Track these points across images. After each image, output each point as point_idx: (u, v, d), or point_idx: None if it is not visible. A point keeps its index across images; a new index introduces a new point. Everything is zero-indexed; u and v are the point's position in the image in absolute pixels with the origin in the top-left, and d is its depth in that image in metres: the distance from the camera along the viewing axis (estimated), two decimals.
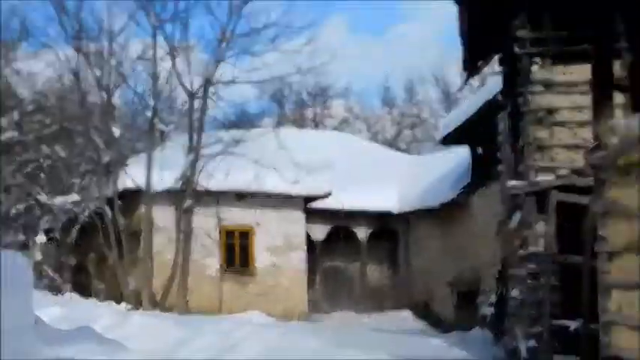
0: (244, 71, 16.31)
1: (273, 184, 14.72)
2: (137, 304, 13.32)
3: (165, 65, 15.23)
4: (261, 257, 15.81)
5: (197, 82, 15.16)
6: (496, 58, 12.61)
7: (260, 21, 15.45)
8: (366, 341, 12.30)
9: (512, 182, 11.60)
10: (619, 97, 7.90)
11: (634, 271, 6.50)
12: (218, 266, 15.44)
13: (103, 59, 14.96)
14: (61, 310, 11.33)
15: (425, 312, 15.95)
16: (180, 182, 14.49)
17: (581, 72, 9.19)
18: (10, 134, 18.36)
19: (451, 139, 15.84)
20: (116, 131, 15.28)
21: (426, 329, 14.93)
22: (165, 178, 14.18)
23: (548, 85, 11.33)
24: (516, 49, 11.47)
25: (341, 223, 17.07)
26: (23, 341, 6.74)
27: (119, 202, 14.46)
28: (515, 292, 11.36)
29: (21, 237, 19.39)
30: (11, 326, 6.62)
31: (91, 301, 13.20)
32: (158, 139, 15.04)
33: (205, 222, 15.00)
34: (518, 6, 11.77)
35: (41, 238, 18.47)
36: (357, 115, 30.16)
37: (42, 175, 18.68)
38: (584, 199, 9.43)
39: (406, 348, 11.96)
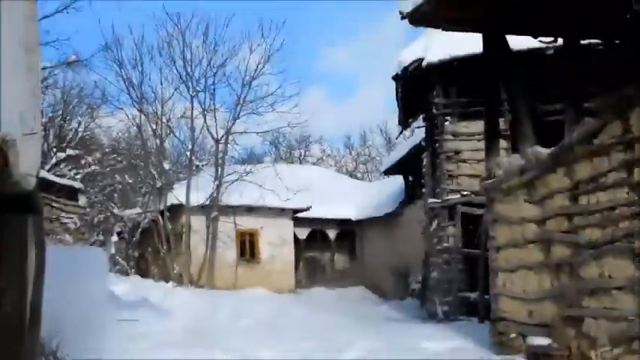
0: (253, 125, 15.93)
1: (272, 201, 14.01)
2: (180, 282, 12.61)
3: (198, 121, 14.77)
4: (264, 250, 14.94)
5: (220, 132, 14.64)
6: (421, 116, 12.37)
7: (263, 91, 15.00)
8: (333, 308, 11.94)
9: (431, 200, 11.06)
10: (503, 143, 7.81)
11: (512, 259, 6.41)
12: (234, 257, 14.51)
13: (157, 117, 14.44)
14: (127, 287, 10.93)
15: (373, 288, 15.08)
16: (209, 200, 13.91)
17: (478, 126, 9.02)
18: (94, 167, 17.90)
19: (391, 170, 15.21)
20: (166, 165, 14.72)
21: (375, 299, 14.16)
22: (199, 197, 13.58)
23: (455, 135, 10.84)
24: (434, 111, 11.02)
25: (317, 226, 16.32)
26: (102, 308, 6.21)
27: (168, 213, 13.83)
28: (434, 274, 11.08)
29: (101, 237, 18.94)
30: (94, 297, 6.04)
31: (149, 281, 12.70)
32: (194, 171, 14.37)
33: (225, 227, 14.25)
34: (434, 82, 11.58)
35: (114, 238, 18.16)
36: (328, 155, 29.76)
37: (115, 195, 18.29)
38: (479, 211, 9.33)
39: (361, 311, 11.55)
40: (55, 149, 16.53)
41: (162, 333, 7.03)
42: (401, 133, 14.42)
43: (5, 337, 1.73)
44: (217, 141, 14.73)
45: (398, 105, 12.13)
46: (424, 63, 10.62)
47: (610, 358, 4.05)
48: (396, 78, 11.25)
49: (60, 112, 18.33)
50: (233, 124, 14.82)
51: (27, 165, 1.79)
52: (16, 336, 1.76)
